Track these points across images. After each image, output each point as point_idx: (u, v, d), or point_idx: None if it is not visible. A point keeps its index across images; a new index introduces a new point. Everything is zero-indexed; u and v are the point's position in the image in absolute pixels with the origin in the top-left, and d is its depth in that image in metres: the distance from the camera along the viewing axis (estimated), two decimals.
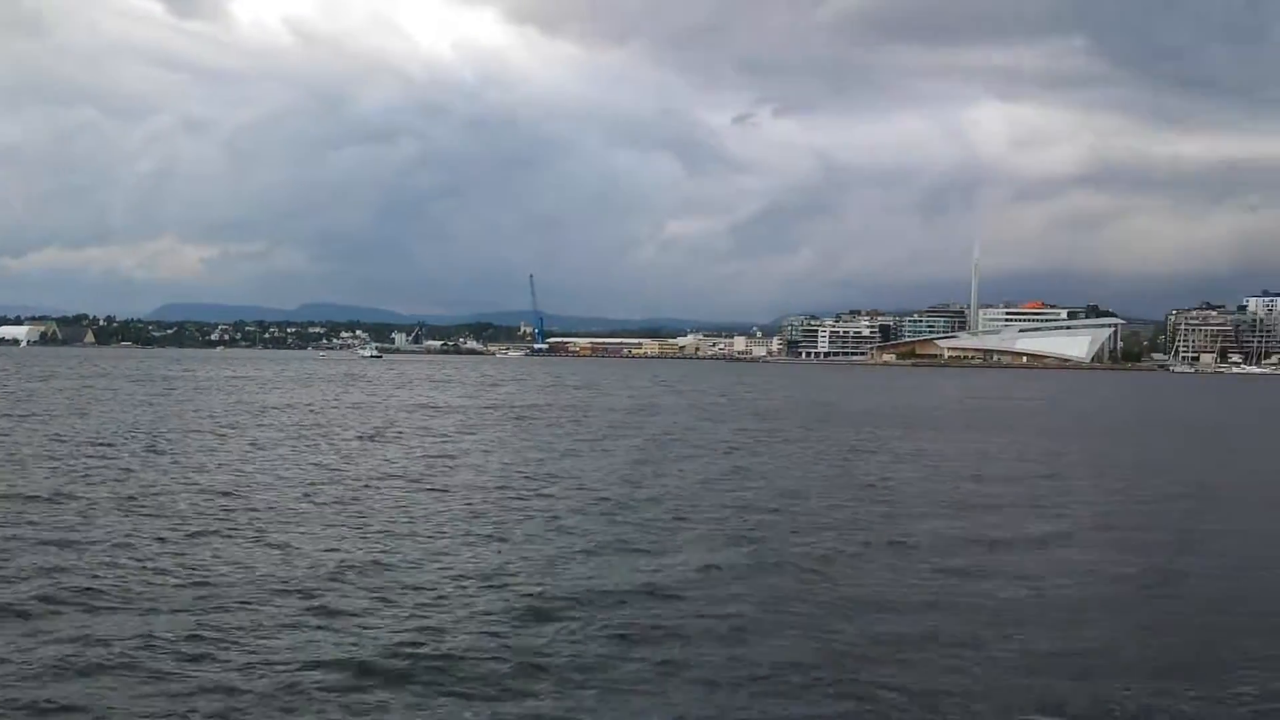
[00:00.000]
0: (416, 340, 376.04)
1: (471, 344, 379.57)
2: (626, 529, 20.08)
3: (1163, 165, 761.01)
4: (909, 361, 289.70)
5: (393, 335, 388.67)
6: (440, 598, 14.61)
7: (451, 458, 33.19)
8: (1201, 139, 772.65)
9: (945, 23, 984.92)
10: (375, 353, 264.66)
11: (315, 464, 30.02)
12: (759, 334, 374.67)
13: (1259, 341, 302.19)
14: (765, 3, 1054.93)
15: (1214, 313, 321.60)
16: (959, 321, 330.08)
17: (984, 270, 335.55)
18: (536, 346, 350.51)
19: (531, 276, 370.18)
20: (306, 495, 23.67)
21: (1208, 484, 30.22)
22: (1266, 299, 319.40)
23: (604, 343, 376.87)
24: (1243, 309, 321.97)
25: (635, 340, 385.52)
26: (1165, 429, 57.96)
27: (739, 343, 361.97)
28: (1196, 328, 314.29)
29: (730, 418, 56.19)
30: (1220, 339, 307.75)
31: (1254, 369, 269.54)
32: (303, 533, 19.04)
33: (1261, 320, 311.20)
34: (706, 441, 40.52)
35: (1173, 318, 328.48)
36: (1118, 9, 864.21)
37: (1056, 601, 15.27)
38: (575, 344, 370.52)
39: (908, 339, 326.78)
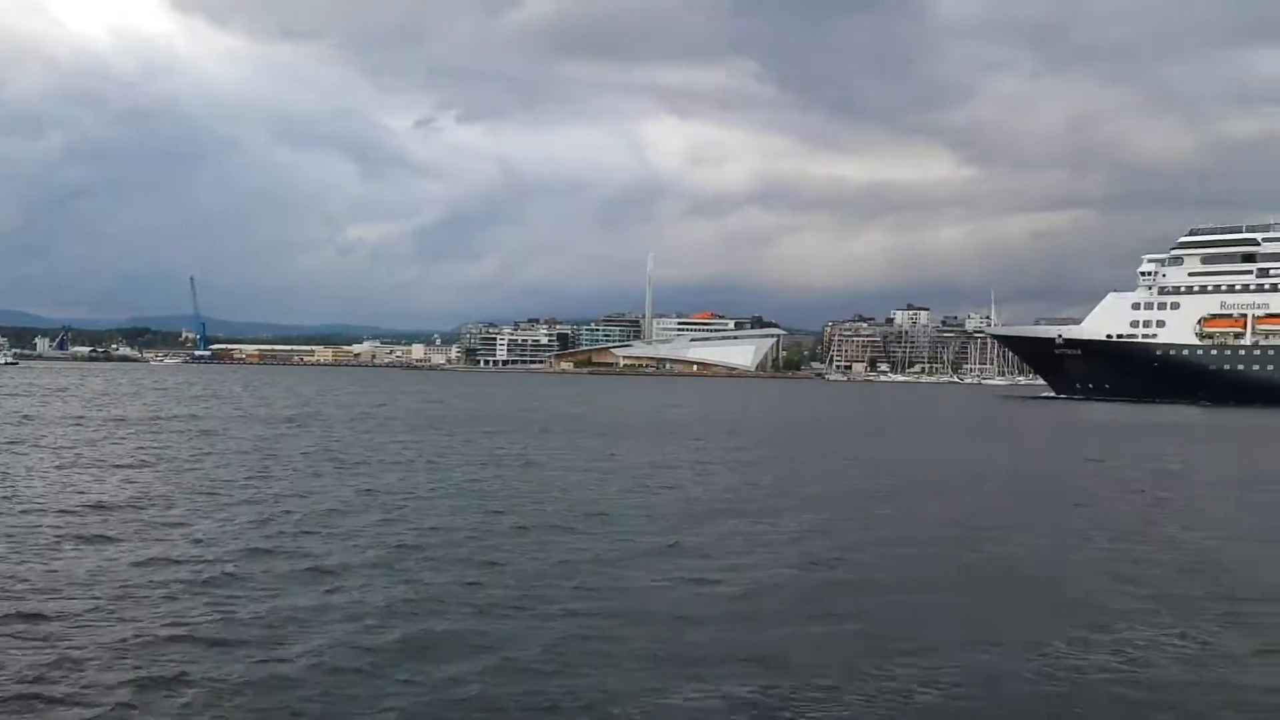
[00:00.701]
0: (61, 345, 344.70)
1: (125, 350, 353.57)
2: (199, 565, 17.57)
3: (823, 185, 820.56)
4: (586, 369, 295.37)
5: (35, 340, 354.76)
6: None
7: (43, 475, 29.45)
8: (855, 162, 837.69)
9: (628, 41, 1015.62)
10: (10, 359, 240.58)
11: None
12: (439, 341, 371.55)
13: (904, 351, 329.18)
14: (452, 10, 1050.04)
15: (865, 324, 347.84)
16: (635, 331, 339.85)
17: (659, 281, 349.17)
18: (198, 353, 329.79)
19: (192, 279, 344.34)
20: None
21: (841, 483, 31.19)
22: (910, 312, 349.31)
23: (274, 350, 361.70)
24: (890, 321, 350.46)
25: (308, 348, 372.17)
26: (804, 431, 60.60)
27: (417, 350, 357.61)
28: (849, 338, 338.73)
29: (386, 429, 53.94)
30: (870, 349, 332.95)
31: (899, 377, 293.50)
32: None
33: (906, 332, 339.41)
34: (346, 458, 38.07)
35: (829, 329, 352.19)
36: (785, 37, 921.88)
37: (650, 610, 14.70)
38: (242, 351, 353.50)
39: (585, 347, 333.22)
